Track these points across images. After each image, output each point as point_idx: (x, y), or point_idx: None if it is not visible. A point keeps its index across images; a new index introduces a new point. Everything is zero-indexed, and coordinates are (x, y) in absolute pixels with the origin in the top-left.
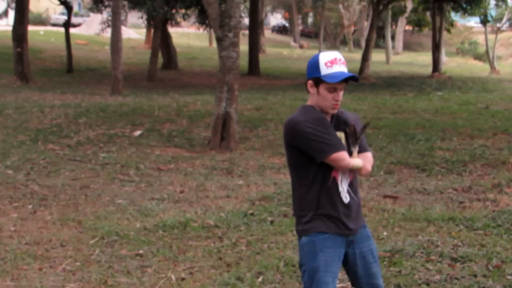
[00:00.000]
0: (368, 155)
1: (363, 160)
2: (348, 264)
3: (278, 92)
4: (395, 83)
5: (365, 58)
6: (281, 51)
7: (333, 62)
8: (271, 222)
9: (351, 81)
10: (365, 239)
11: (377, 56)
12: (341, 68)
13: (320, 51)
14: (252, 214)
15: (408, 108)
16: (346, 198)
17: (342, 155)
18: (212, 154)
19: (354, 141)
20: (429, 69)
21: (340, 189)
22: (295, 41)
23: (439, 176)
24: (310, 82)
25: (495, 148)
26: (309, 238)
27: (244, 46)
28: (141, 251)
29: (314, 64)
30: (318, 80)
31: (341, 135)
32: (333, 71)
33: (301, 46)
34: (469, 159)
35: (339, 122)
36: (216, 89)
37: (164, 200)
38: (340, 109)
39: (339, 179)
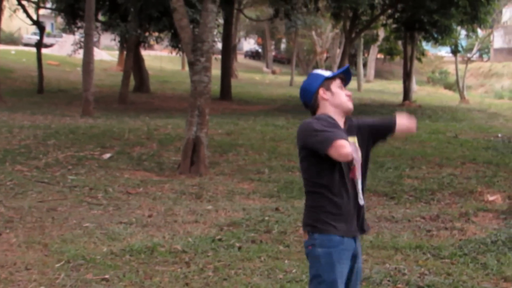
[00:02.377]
0: (399, 119)
1: (404, 120)
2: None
3: (249, 117)
4: (366, 110)
5: None
6: (254, 76)
7: (327, 69)
8: (239, 248)
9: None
10: (360, 255)
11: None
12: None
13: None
14: (220, 239)
15: None
16: (361, 199)
17: (344, 142)
18: (182, 178)
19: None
20: (400, 97)
21: (359, 192)
22: (267, 66)
23: (407, 204)
24: (321, 89)
25: (463, 177)
26: (325, 250)
27: (216, 71)
28: (107, 276)
29: (313, 77)
30: (328, 81)
31: (354, 139)
32: (331, 73)
33: (273, 72)
34: (437, 187)
35: (352, 127)
36: (187, 113)
37: (132, 224)
38: (351, 118)
39: (356, 182)
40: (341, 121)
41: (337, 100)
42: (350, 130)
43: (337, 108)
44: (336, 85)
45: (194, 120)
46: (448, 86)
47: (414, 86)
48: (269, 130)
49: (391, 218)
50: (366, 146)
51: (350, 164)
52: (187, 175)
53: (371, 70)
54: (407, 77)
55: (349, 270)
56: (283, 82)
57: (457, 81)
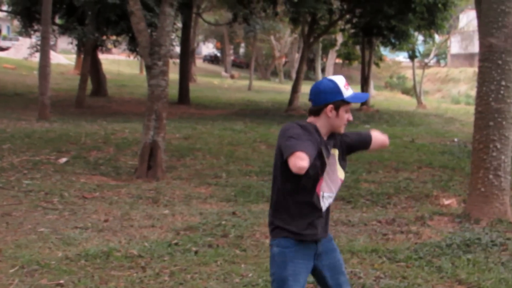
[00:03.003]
0: (374, 135)
1: (379, 135)
2: (317, 276)
3: (207, 122)
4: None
5: (295, 89)
6: (212, 81)
7: (347, 84)
8: (196, 252)
9: (273, 113)
10: (332, 251)
11: (307, 88)
12: (353, 90)
13: (325, 78)
14: (176, 244)
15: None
16: (323, 211)
17: (303, 155)
18: (139, 183)
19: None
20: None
21: (322, 203)
22: (226, 71)
23: (364, 208)
24: (330, 106)
25: (419, 181)
26: (280, 250)
27: (174, 75)
28: (61, 281)
29: (333, 89)
30: (341, 103)
31: (335, 152)
32: (351, 93)
33: (232, 76)
34: (394, 191)
35: (336, 140)
36: (144, 117)
37: (87, 229)
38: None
39: (321, 194)
40: (326, 134)
41: (337, 123)
42: (335, 141)
43: (331, 127)
44: (345, 108)
45: (151, 124)
46: (406, 91)
47: (372, 91)
48: (227, 135)
49: (347, 222)
50: (360, 146)
51: (319, 175)
52: (144, 179)
53: (329, 75)
54: (365, 82)
55: (317, 268)
56: (242, 86)
57: (414, 86)
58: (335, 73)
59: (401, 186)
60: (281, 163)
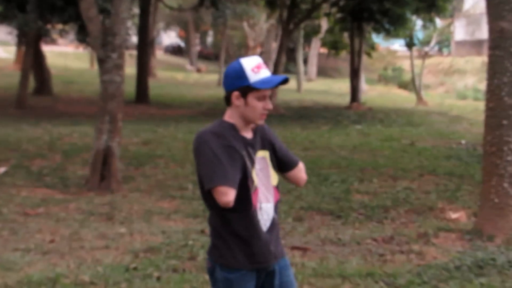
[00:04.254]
0: (301, 165)
1: (299, 172)
2: None
3: (170, 124)
4: (307, 114)
5: None
6: (175, 76)
7: (259, 67)
8: (158, 278)
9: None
10: (285, 268)
11: (288, 85)
12: (268, 73)
13: (238, 59)
14: (135, 268)
15: (321, 144)
16: (265, 225)
17: (226, 190)
18: (90, 196)
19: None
20: (347, 99)
21: (259, 217)
22: (191, 63)
23: (356, 224)
24: (236, 93)
25: (421, 191)
26: (224, 275)
27: (131, 69)
28: None
29: (238, 72)
30: (247, 89)
31: (265, 154)
32: (262, 76)
33: (198, 70)
34: (391, 204)
35: (264, 141)
36: (96, 119)
37: (30, 251)
38: (266, 128)
39: (258, 206)
40: (247, 130)
41: (248, 113)
42: (262, 141)
43: (244, 120)
44: (255, 95)
45: (104, 127)
46: (403, 85)
47: (363, 86)
48: (193, 138)
49: (337, 241)
50: (276, 165)
51: (252, 186)
52: (96, 192)
53: (312, 67)
54: (354, 75)
55: (268, 286)
56: (210, 81)
57: (413, 80)
58: (319, 65)
59: (400, 197)
60: (203, 189)
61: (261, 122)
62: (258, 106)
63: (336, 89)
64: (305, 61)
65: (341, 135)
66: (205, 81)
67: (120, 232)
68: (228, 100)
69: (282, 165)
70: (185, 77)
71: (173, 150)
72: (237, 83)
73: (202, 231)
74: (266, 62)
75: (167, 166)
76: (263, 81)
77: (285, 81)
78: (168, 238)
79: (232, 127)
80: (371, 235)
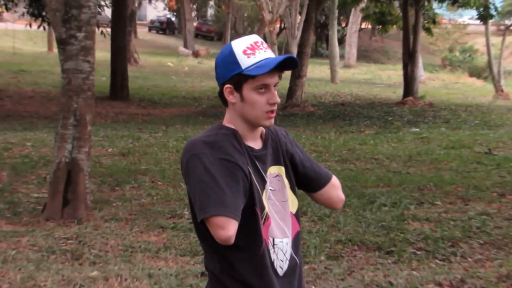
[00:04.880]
0: (334, 181)
1: (333, 190)
2: None
3: (157, 127)
4: (344, 113)
5: (296, 73)
6: (164, 61)
7: (254, 47)
8: None
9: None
10: None
11: (316, 71)
12: (268, 54)
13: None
14: None
15: (364, 154)
16: (281, 268)
17: (224, 223)
18: (49, 227)
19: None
20: (399, 92)
21: (273, 257)
22: (186, 45)
23: (413, 262)
24: (228, 86)
25: (502, 218)
26: None
27: (104, 53)
28: None
29: (227, 58)
30: (240, 79)
31: (280, 170)
32: (258, 59)
33: (195, 54)
34: (462, 235)
35: (279, 151)
36: (56, 122)
37: None
38: (275, 128)
39: (270, 242)
40: (254, 137)
41: (248, 111)
42: (276, 152)
43: (247, 123)
44: (252, 86)
45: (68, 133)
46: (476, 72)
47: (422, 74)
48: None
49: (388, 286)
50: (297, 183)
51: (262, 215)
52: (58, 221)
53: (351, 49)
54: (409, 60)
55: None
56: (211, 69)
57: (489, 64)
58: (361, 46)
59: (473, 226)
60: (196, 220)
61: (268, 123)
62: (259, 101)
63: (384, 78)
64: (341, 41)
65: (391, 142)
66: (205, 68)
67: (90, 276)
68: (223, 100)
69: (308, 182)
70: (177, 64)
71: (162, 163)
72: (228, 72)
73: (203, 274)
74: (286, 44)
75: (154, 185)
76: (259, 65)
77: (289, 62)
78: (156, 284)
79: (233, 134)
80: (434, 278)
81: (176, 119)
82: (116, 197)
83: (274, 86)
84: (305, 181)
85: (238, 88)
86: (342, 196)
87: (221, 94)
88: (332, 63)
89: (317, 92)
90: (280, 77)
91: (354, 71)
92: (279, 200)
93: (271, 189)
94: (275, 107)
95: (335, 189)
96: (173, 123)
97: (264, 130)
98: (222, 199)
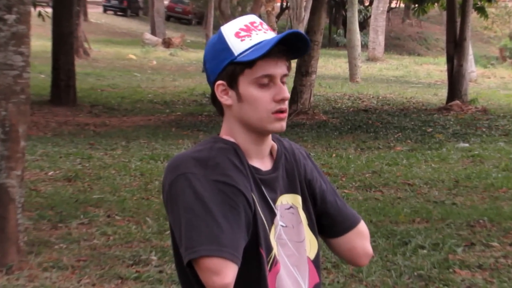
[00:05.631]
0: (362, 228)
1: (359, 239)
2: None
3: (115, 142)
4: (368, 123)
5: (303, 69)
6: (124, 53)
7: (250, 28)
8: None
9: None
10: None
11: (330, 66)
12: (269, 36)
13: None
14: None
15: (395, 178)
16: None
17: (219, 265)
18: None
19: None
20: (442, 94)
21: None
22: (153, 31)
23: None
24: (220, 83)
25: None
26: None
27: (43, 42)
28: None
29: (215, 46)
30: (234, 70)
31: (295, 200)
32: (256, 41)
33: (166, 43)
34: None
35: (294, 176)
36: None
37: None
38: (291, 145)
39: None
40: (260, 153)
41: (248, 114)
42: (291, 176)
43: (249, 132)
44: (250, 79)
45: None
46: None
47: (473, 69)
48: (159, 170)
49: None
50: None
51: (268, 258)
52: None
53: (378, 37)
54: (456, 51)
55: None
56: (189, 63)
57: None
58: (390, 32)
59: None
60: (181, 263)
61: (277, 126)
62: (261, 98)
63: (422, 75)
64: (364, 26)
65: (431, 161)
66: (180, 62)
67: None
68: (216, 103)
69: (327, 222)
70: (142, 57)
71: (121, 191)
72: (218, 64)
73: None
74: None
75: (111, 221)
76: (256, 48)
77: (297, 41)
78: None
79: (233, 149)
80: None
81: (140, 131)
82: (59, 237)
83: (282, 79)
84: (324, 221)
85: (232, 83)
86: (369, 249)
87: (213, 97)
88: (351, 55)
89: (331, 95)
90: (288, 68)
91: (381, 66)
92: (292, 240)
93: (282, 225)
94: (285, 105)
95: (361, 238)
96: (136, 136)
97: (275, 146)
98: (217, 235)
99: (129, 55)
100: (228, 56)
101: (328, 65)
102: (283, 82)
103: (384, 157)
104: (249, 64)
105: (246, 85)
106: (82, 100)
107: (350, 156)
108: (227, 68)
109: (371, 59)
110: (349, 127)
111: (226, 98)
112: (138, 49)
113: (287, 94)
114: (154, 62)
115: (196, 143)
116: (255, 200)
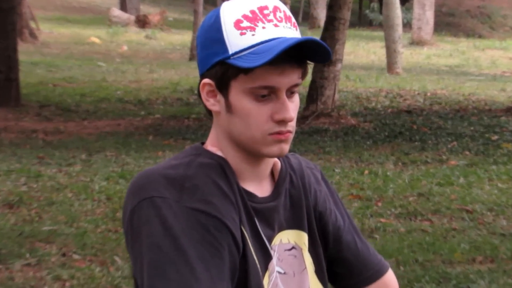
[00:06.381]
0: (390, 278)
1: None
2: None
3: (73, 155)
4: (411, 128)
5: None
6: (85, 36)
7: (257, 16)
8: None
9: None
10: None
11: (361, 51)
12: (281, 31)
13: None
14: None
15: (449, 203)
16: None
17: None
18: None
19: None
20: (510, 89)
21: None
22: (123, 6)
23: None
24: (206, 82)
25: None
26: None
27: None
28: None
29: (209, 30)
30: (225, 71)
31: (299, 238)
32: (260, 39)
33: (141, 21)
34: None
35: (301, 206)
36: None
37: None
38: (300, 161)
39: None
40: (257, 173)
41: (238, 129)
42: (296, 207)
43: (239, 146)
44: (246, 87)
45: None
46: None
47: None
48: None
49: None
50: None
51: None
52: None
53: (425, 13)
54: None
55: None
56: (170, 49)
57: None
58: (440, 7)
59: None
60: None
61: (274, 151)
62: (255, 114)
63: (485, 64)
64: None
65: (497, 180)
66: (159, 48)
67: None
68: (206, 109)
69: (342, 270)
70: (109, 40)
71: (81, 221)
72: (208, 57)
73: None
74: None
75: (66, 261)
76: (257, 51)
77: (314, 47)
78: None
79: (219, 166)
80: None
81: (106, 140)
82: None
83: (290, 89)
84: (337, 268)
85: (222, 87)
86: None
87: (200, 93)
88: (389, 38)
89: (363, 91)
90: (303, 74)
91: (430, 52)
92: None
93: (279, 272)
94: (288, 127)
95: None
96: (101, 147)
97: (278, 164)
98: (191, 285)
99: (91, 38)
100: (220, 51)
101: (359, 51)
102: (292, 92)
103: (434, 175)
104: (245, 70)
105: (238, 94)
106: (28, 99)
107: (388, 173)
108: (217, 66)
109: (416, 42)
110: (386, 134)
111: (212, 103)
112: (103, 30)
113: (291, 114)
114: (125, 48)
115: (177, 154)
116: (246, 236)
